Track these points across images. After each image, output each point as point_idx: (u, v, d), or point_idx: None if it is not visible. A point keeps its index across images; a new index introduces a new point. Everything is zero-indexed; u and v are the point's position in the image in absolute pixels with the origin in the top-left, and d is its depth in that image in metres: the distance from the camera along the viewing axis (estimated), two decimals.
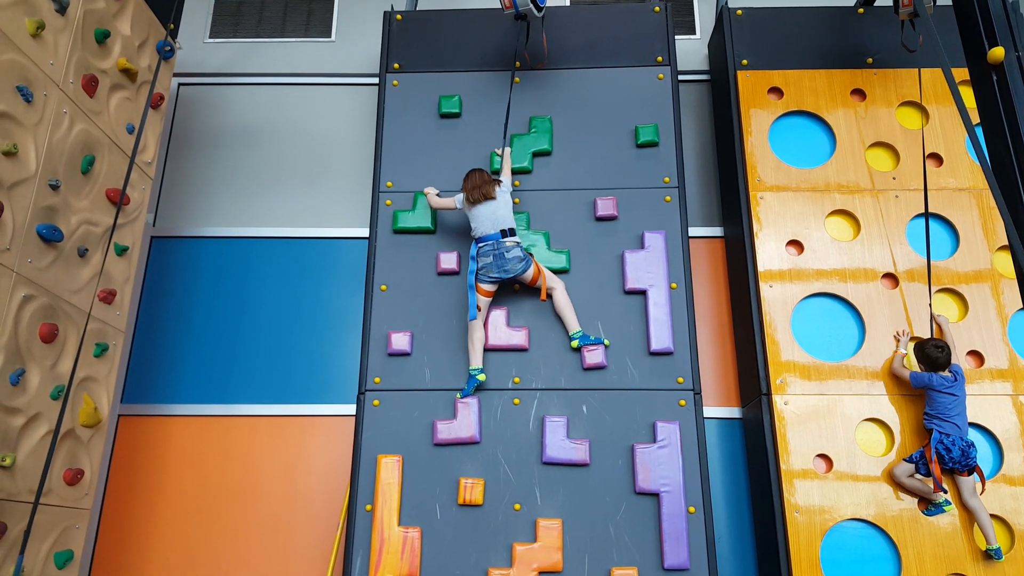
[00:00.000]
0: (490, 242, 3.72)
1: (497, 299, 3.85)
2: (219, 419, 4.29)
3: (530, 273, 3.75)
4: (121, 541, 4.09)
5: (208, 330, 4.47)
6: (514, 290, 3.91)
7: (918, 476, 3.62)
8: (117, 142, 3.83)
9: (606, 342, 3.77)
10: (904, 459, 3.66)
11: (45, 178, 3.30)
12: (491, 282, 3.74)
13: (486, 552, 3.49)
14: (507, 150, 4.07)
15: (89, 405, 3.58)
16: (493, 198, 3.77)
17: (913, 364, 3.80)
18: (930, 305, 3.87)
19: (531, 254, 3.86)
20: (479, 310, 3.73)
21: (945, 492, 3.57)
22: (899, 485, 3.64)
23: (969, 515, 3.59)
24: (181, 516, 4.12)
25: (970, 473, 3.55)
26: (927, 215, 3.97)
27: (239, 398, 4.32)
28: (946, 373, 3.64)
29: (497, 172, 4.04)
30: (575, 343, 3.74)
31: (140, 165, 4.06)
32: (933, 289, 3.99)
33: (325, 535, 4.05)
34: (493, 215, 3.75)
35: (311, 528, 4.08)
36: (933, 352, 3.67)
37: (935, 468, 3.50)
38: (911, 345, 3.85)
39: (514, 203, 4.04)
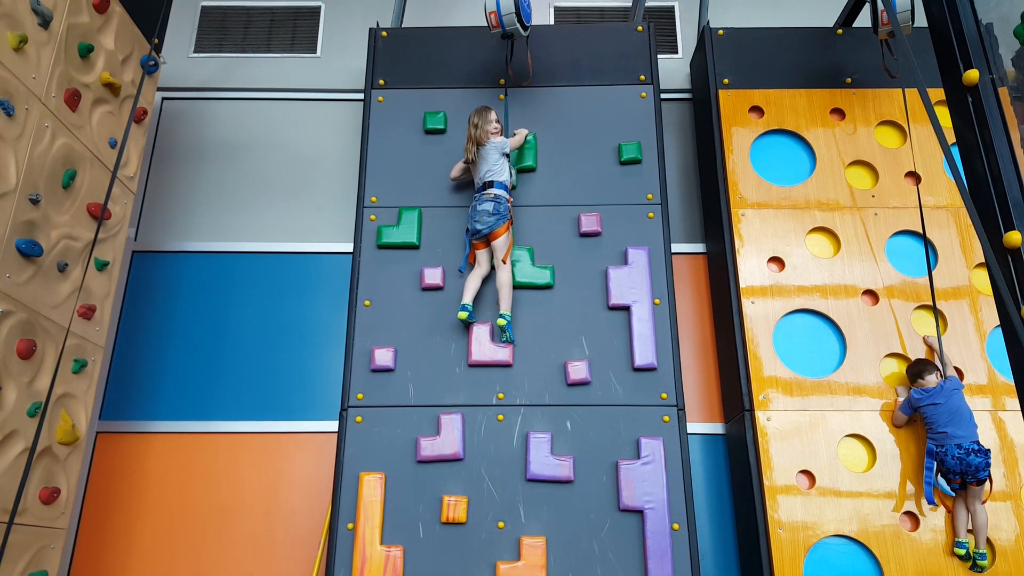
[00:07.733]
0: (477, 195, 3.90)
1: (480, 315, 3.85)
2: (199, 436, 4.24)
3: (497, 232, 3.82)
4: (97, 561, 4.01)
5: (189, 346, 4.43)
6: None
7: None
8: (99, 156, 3.80)
9: (513, 342, 3.81)
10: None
11: (25, 192, 3.27)
12: (472, 235, 3.90)
13: (469, 571, 3.46)
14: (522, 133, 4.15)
15: (67, 422, 3.53)
16: (473, 161, 3.94)
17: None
18: (937, 332, 3.91)
19: (511, 220, 3.90)
20: (470, 263, 3.92)
21: (934, 505, 3.65)
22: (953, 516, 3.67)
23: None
24: (159, 535, 4.06)
25: (979, 484, 3.56)
26: (924, 233, 4.04)
27: (220, 415, 4.28)
28: (926, 385, 3.69)
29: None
30: (502, 322, 3.75)
31: (122, 179, 4.03)
32: (912, 306, 4.05)
33: (307, 554, 4.00)
34: (479, 170, 3.93)
35: (293, 547, 4.03)
36: (909, 371, 3.83)
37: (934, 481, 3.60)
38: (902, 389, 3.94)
39: None
